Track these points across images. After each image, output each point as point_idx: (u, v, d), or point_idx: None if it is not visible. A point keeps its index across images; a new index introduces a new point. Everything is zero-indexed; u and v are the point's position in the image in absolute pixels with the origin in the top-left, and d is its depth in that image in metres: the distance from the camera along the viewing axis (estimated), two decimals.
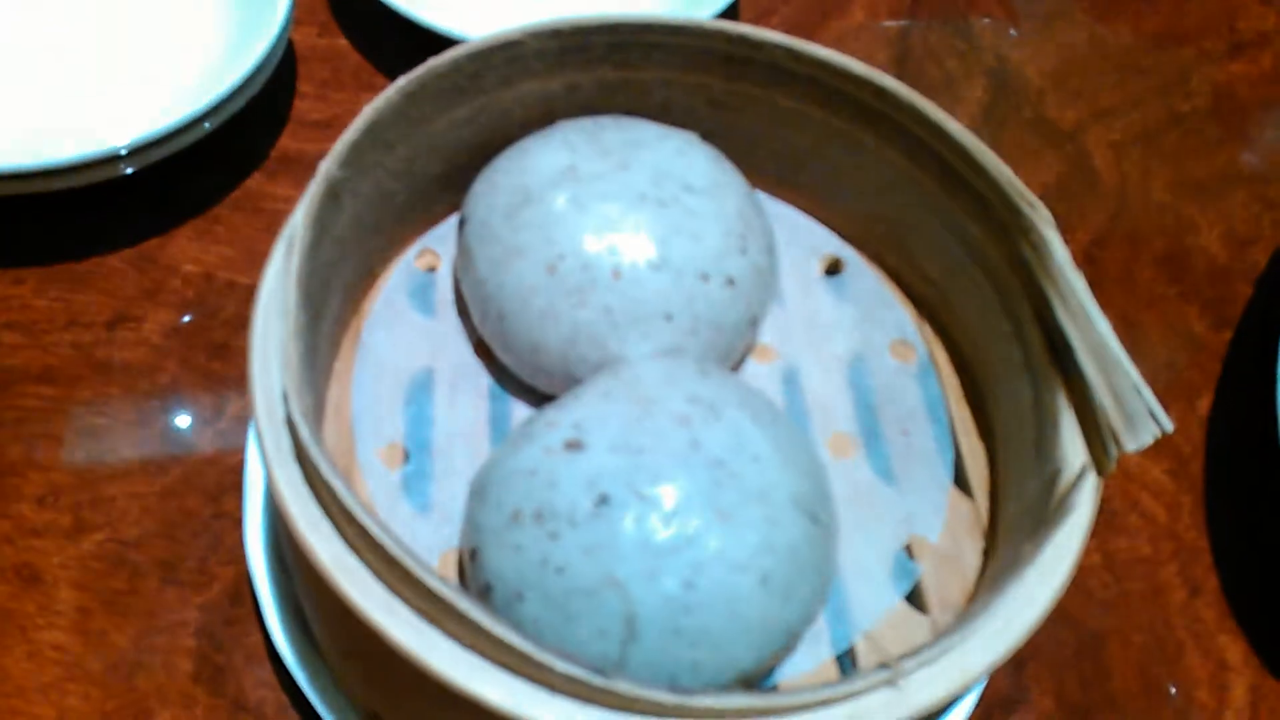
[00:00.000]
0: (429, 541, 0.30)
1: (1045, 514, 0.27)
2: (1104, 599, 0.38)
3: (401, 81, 0.30)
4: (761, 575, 0.25)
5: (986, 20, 0.59)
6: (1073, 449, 0.28)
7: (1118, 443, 0.27)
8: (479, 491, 0.27)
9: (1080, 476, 0.27)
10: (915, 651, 0.24)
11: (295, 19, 0.50)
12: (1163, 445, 0.43)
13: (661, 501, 0.25)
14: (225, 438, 0.38)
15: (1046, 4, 0.60)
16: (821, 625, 0.30)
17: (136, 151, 0.39)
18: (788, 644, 0.27)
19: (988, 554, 0.31)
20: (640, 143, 0.32)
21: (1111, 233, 0.50)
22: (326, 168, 0.28)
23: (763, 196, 0.38)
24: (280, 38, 0.41)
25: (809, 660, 0.29)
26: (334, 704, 0.30)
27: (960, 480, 0.33)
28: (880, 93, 0.33)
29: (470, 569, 0.27)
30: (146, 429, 0.38)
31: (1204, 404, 0.44)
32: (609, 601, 0.25)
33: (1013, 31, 0.59)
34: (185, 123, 0.39)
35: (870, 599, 0.30)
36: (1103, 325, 0.29)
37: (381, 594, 0.23)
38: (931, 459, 0.33)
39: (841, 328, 0.35)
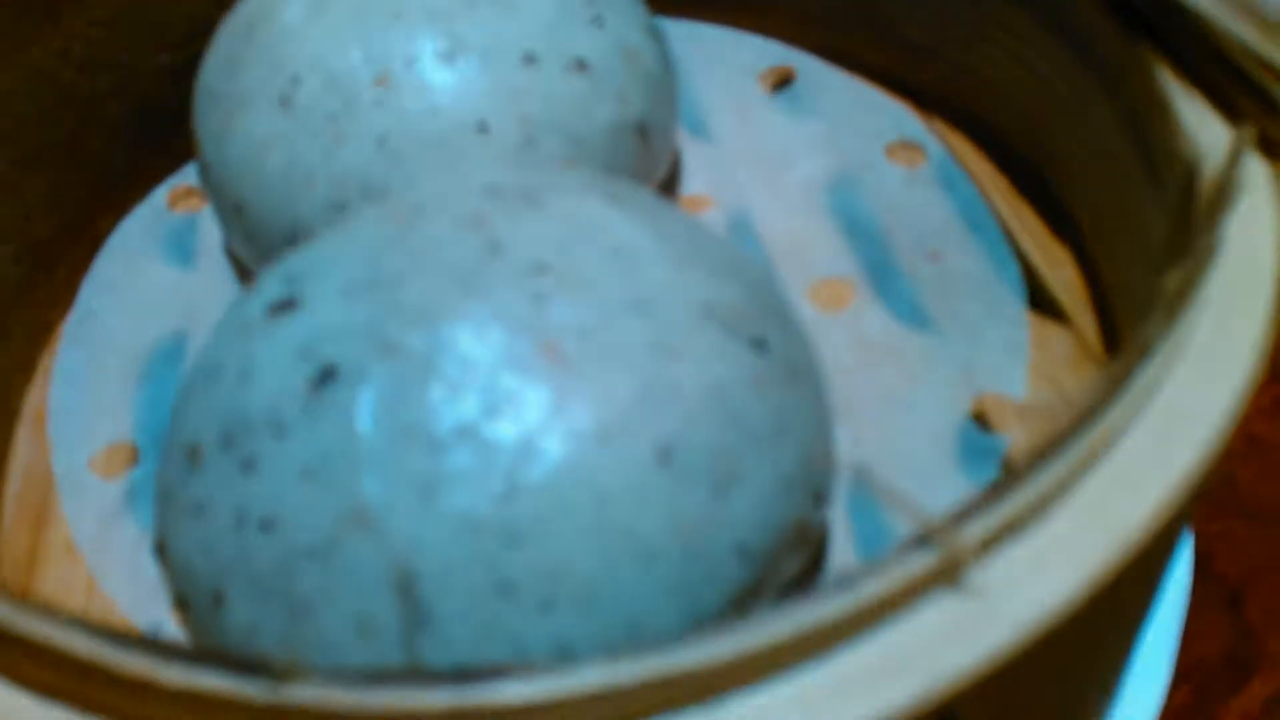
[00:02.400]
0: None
1: (1186, 240, 0.15)
2: None
3: None
4: (657, 448, 0.13)
5: None
6: (1206, 128, 0.15)
7: None
8: (167, 432, 0.16)
9: (1235, 158, 0.14)
10: (978, 506, 0.11)
11: None
12: None
13: (435, 352, 0.13)
14: None
15: None
16: (848, 550, 0.17)
17: None
18: (757, 579, 0.14)
19: None
20: None
21: None
22: None
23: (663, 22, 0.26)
24: None
25: None
26: None
27: (1040, 299, 0.20)
28: None
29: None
30: None
31: None
32: (359, 556, 0.12)
33: None
34: None
35: (929, 502, 0.17)
36: None
37: None
38: (985, 282, 0.20)
39: (806, 148, 0.23)
